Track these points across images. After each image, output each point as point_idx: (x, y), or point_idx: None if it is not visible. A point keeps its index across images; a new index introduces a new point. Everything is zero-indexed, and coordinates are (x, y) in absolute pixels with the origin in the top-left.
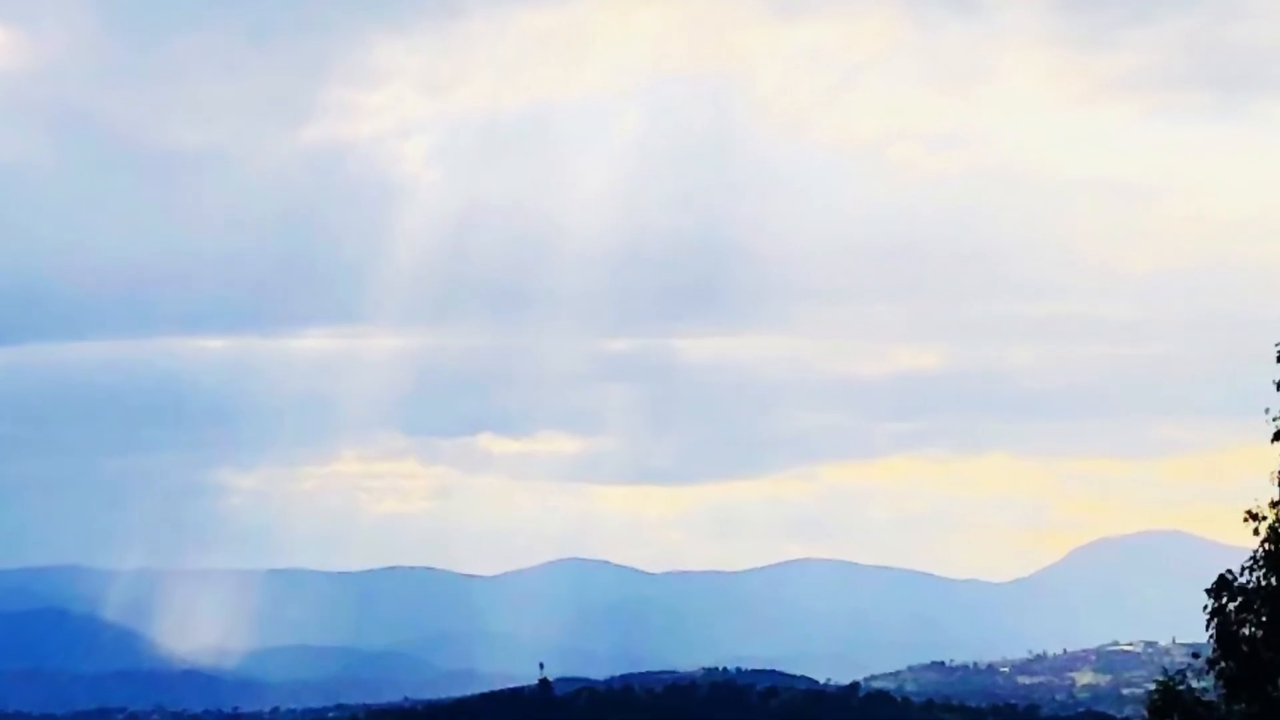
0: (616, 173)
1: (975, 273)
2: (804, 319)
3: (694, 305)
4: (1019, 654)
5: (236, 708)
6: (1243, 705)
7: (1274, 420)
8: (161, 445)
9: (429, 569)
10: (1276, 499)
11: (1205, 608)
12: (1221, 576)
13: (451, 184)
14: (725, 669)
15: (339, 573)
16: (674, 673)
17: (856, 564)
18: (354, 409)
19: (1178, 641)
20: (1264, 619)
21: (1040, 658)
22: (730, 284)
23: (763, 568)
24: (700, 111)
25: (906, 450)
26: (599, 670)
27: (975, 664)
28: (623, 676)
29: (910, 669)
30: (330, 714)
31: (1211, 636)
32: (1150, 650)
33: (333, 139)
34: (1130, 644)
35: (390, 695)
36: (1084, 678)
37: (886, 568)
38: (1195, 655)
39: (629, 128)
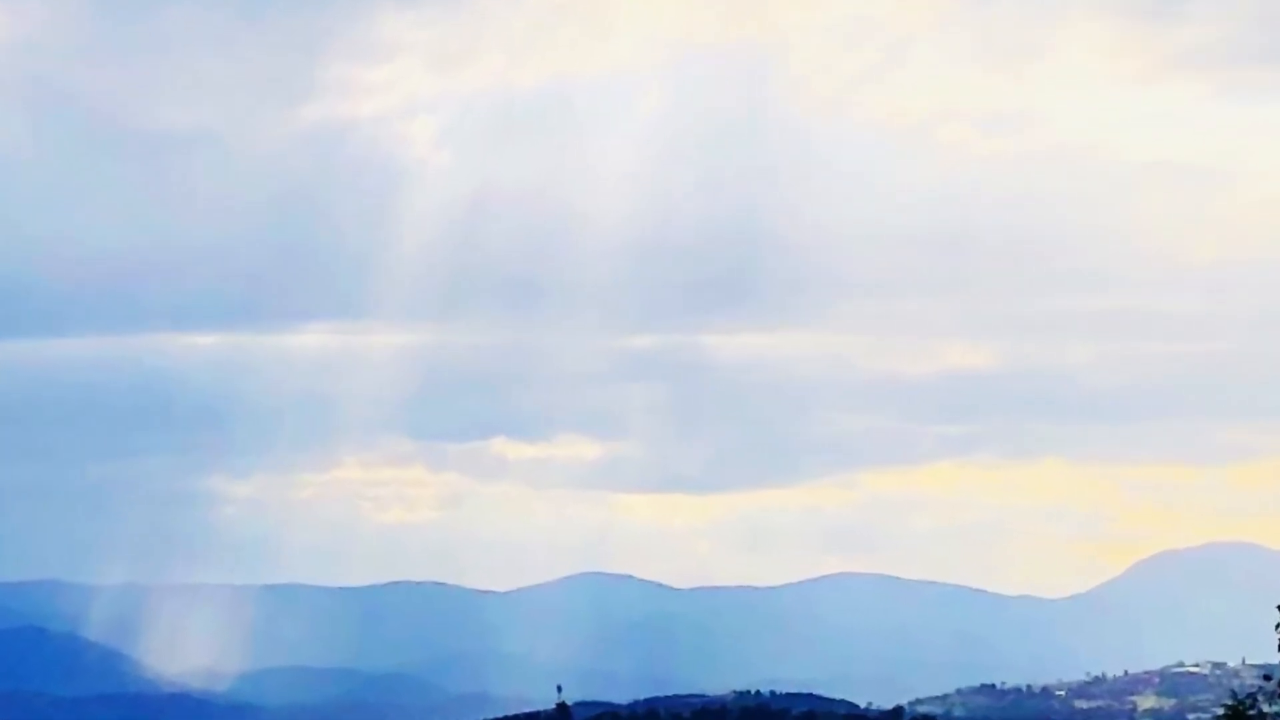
0: (640, 155)
1: (1030, 264)
2: (844, 314)
3: (724, 299)
4: (1076, 676)
5: None
6: None
7: None
8: (148, 450)
9: (437, 584)
10: None
11: (1277, 625)
12: None
13: (462, 167)
14: (758, 692)
15: (340, 588)
16: (703, 696)
17: (900, 578)
18: (356, 411)
19: (1247, 663)
20: None
21: (1099, 680)
22: (764, 276)
23: (798, 583)
24: (732, 88)
25: (954, 456)
26: (621, 693)
27: (1028, 687)
28: (647, 700)
29: (958, 692)
30: None
31: None
32: (1218, 672)
33: (333, 119)
34: (1196, 665)
35: None
36: (1146, 702)
37: (932, 582)
38: (1266, 678)
39: (654, 106)
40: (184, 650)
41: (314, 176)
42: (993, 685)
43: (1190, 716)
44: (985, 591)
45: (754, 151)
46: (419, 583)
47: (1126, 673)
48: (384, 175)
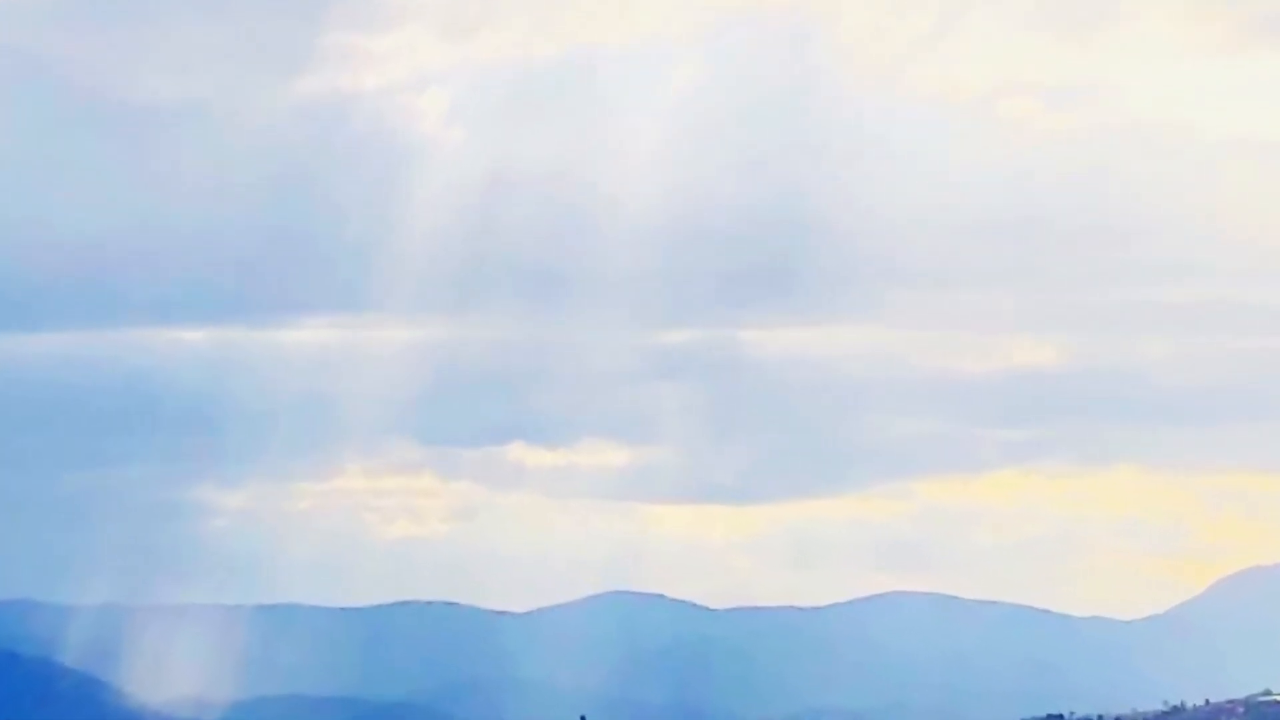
0: (673, 132)
1: (1101, 251)
2: (897, 306)
3: (765, 290)
4: (1152, 705)
5: None
6: None
7: None
8: (130, 457)
9: (449, 604)
10: None
11: None
12: None
13: (476, 145)
14: None
15: (342, 609)
16: None
17: (959, 598)
18: (360, 413)
19: None
20: None
21: (1178, 710)
22: (809, 265)
23: (847, 603)
24: (773, 58)
25: (1019, 463)
26: None
27: (1100, 717)
28: None
29: None
30: None
31: None
32: None
33: (334, 92)
34: None
35: None
36: None
37: (994, 602)
38: None
39: (688, 78)
40: (170, 677)
41: (313, 155)
42: (1061, 716)
43: None
44: (1052, 612)
45: (797, 128)
46: (429, 603)
47: (1208, 701)
48: (390, 154)
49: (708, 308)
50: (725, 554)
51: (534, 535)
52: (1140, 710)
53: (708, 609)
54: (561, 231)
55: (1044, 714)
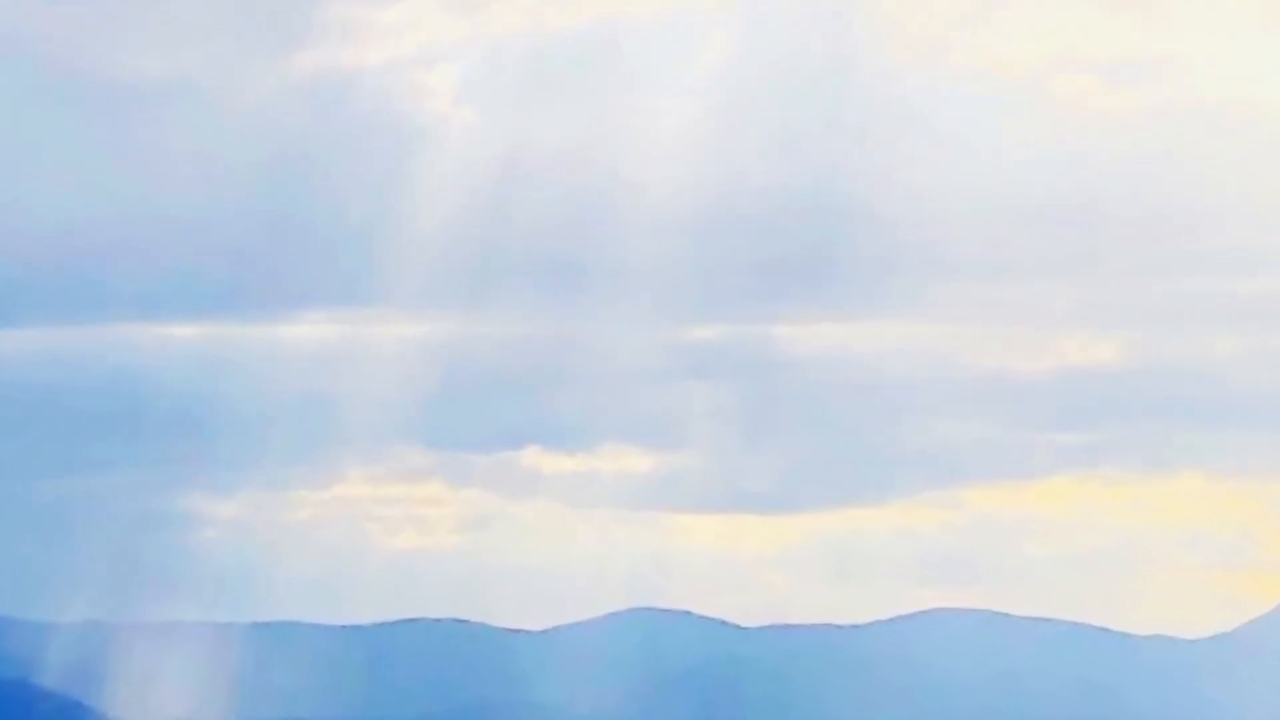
0: (701, 112)
1: (1165, 241)
2: (943, 300)
3: (801, 282)
4: None
5: None
6: None
7: None
8: (114, 462)
9: (459, 622)
10: None
11: None
12: None
13: (488, 126)
14: None
15: (343, 627)
16: None
17: (1009, 615)
18: (362, 415)
19: None
20: None
21: None
22: (848, 255)
23: (888, 620)
24: (810, 32)
25: (1075, 469)
26: None
27: None
28: None
29: None
30: None
31: None
32: None
33: (335, 69)
34: None
35: None
36: None
37: (1047, 619)
38: None
39: (717, 53)
40: (157, 701)
41: (312, 136)
42: None
43: None
44: (1111, 630)
45: (836, 107)
46: (437, 620)
47: None
48: (395, 135)
49: (739, 301)
50: (757, 568)
51: (550, 547)
52: None
53: (738, 627)
54: (581, 219)
55: None
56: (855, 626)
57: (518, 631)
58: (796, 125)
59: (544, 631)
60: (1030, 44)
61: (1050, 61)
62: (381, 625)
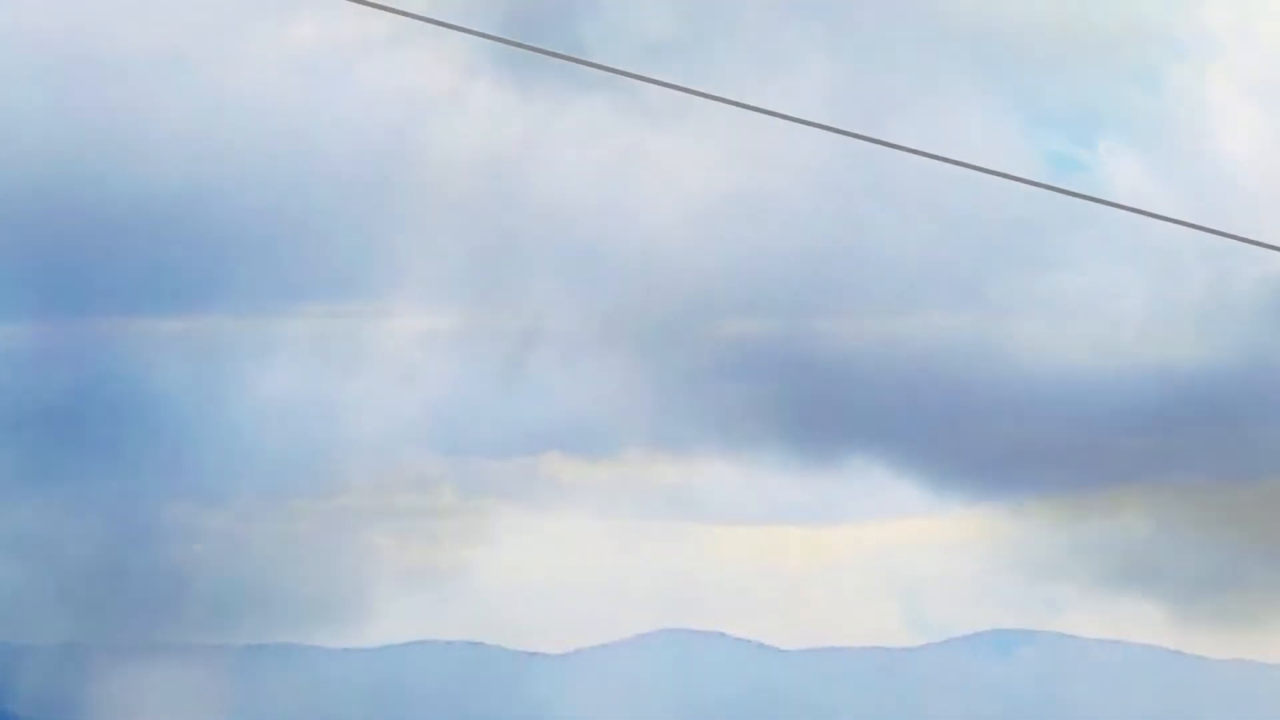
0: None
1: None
2: (1002, 291)
3: (845, 273)
4: None
5: None
6: None
7: None
8: (94, 470)
9: (472, 644)
10: None
11: None
12: None
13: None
14: None
15: (346, 649)
16: None
17: (1075, 636)
18: (366, 417)
19: None
20: None
21: None
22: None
23: (943, 642)
24: None
25: (1148, 477)
26: None
27: None
28: None
29: None
30: None
31: None
32: None
33: (335, 36)
34: None
35: None
36: None
37: (1117, 641)
38: None
39: None
40: None
41: (309, 109)
42: None
43: None
44: (1185, 654)
45: (882, 84)
46: (449, 642)
47: None
48: (403, 104)
49: (778, 293)
50: (799, 584)
51: (572, 562)
52: None
53: (778, 649)
54: (603, 202)
55: None
56: (906, 649)
57: (536, 654)
58: (837, 102)
59: (565, 655)
60: None
61: None
62: (387, 648)
